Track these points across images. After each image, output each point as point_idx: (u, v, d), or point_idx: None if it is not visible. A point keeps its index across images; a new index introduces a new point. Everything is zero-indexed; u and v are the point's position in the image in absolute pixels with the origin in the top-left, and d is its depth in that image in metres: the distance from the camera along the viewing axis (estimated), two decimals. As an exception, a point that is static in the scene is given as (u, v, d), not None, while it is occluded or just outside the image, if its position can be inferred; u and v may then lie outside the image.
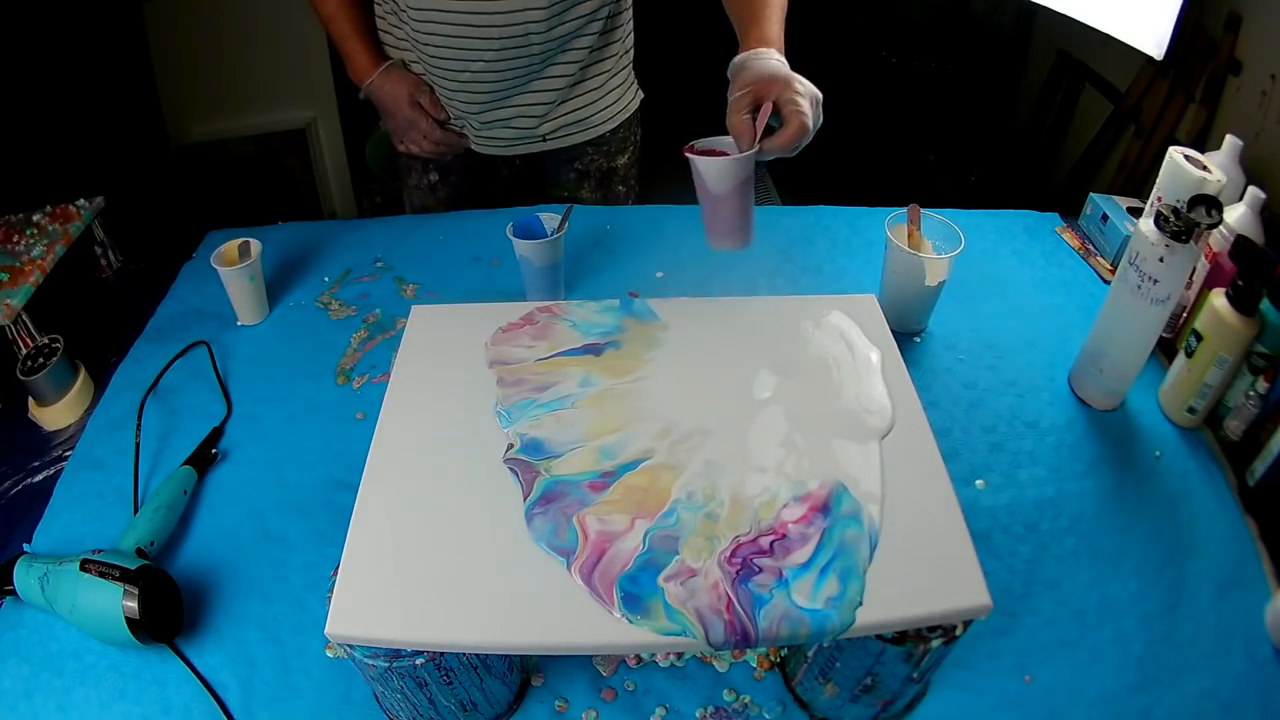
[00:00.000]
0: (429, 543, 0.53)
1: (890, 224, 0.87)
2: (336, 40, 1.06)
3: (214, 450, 0.78)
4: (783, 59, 0.79)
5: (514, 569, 0.51)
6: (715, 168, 0.72)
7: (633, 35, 1.11)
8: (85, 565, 0.61)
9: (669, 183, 1.11)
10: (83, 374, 0.86)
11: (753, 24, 0.83)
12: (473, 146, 1.10)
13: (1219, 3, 1.22)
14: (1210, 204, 0.68)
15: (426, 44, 0.98)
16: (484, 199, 1.18)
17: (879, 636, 0.50)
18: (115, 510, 0.73)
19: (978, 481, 0.75)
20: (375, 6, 1.05)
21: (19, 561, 0.63)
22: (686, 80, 2.54)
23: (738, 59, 0.79)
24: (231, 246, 0.90)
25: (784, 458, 0.58)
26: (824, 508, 0.54)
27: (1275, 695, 0.60)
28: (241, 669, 0.62)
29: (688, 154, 0.74)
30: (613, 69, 1.08)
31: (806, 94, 0.74)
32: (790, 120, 0.72)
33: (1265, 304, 0.72)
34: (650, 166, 1.26)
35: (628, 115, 1.14)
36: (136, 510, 0.71)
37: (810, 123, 0.73)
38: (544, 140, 1.08)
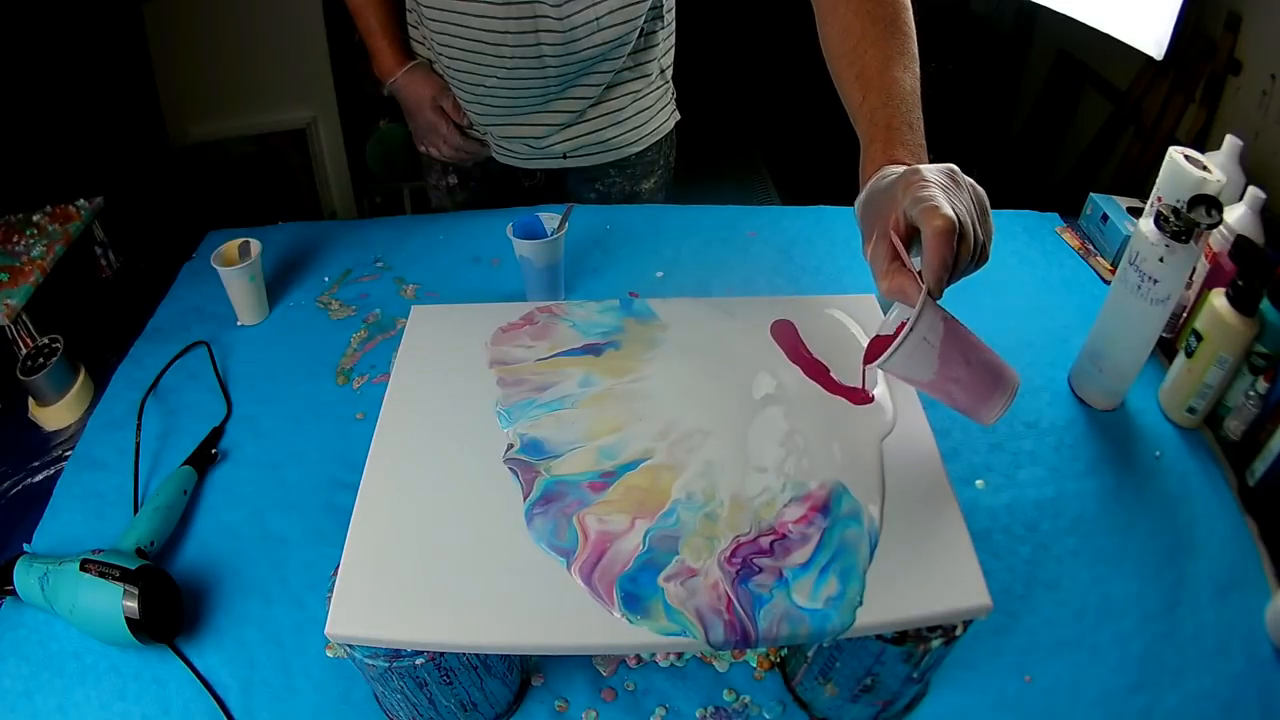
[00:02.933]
0: (429, 543, 0.53)
1: (890, 224, 0.86)
2: (363, 35, 1.04)
3: (214, 450, 0.78)
4: (938, 174, 0.54)
5: (514, 569, 0.51)
6: (898, 358, 0.53)
7: (672, 55, 1.08)
8: (85, 565, 0.60)
9: (700, 200, 1.10)
10: (83, 374, 0.85)
11: (869, 140, 0.62)
12: (493, 155, 1.09)
13: (1219, 3, 1.22)
14: (1210, 204, 0.68)
15: (443, 53, 0.97)
16: (502, 208, 1.14)
17: (879, 636, 0.50)
18: (115, 510, 0.73)
19: (978, 481, 0.75)
20: (406, 1, 1.02)
21: (19, 561, 0.63)
22: (726, 95, 2.54)
23: (858, 200, 0.60)
24: (231, 246, 0.90)
25: (784, 458, 0.58)
26: (824, 508, 0.54)
27: (1275, 695, 0.60)
28: (241, 669, 0.62)
29: (869, 366, 0.58)
30: (642, 90, 1.05)
31: (934, 180, 0.53)
32: (925, 224, 0.50)
33: (1265, 304, 0.72)
34: (682, 189, 1.22)
35: (658, 138, 1.10)
36: (136, 510, 0.71)
37: (946, 208, 0.50)
38: (564, 158, 1.06)
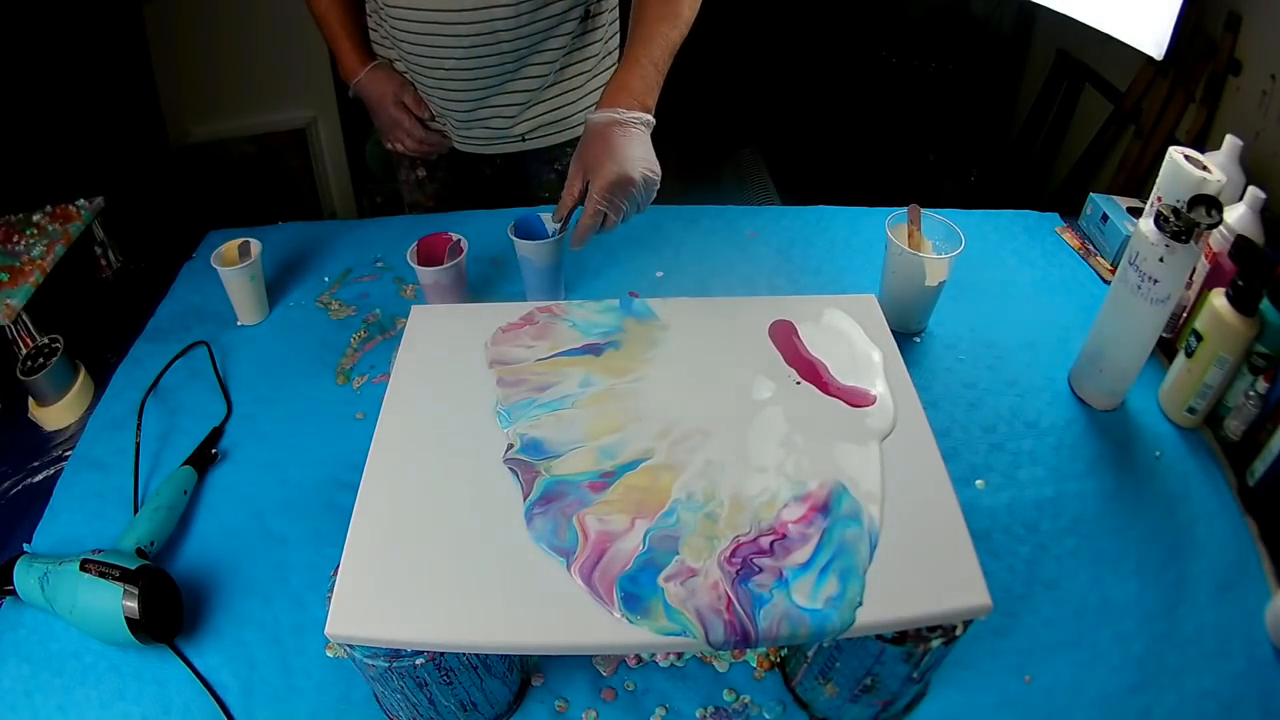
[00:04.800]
0: (429, 543, 0.53)
1: (890, 224, 0.87)
2: (328, 40, 1.07)
3: (214, 450, 0.78)
4: (633, 117, 0.81)
5: (514, 569, 0.51)
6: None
7: (618, 37, 1.10)
8: (85, 565, 0.61)
9: (664, 184, 1.11)
10: (83, 374, 0.85)
11: (621, 67, 0.85)
12: (455, 145, 1.11)
13: (1219, 3, 1.22)
14: (1210, 204, 0.68)
15: (402, 41, 0.99)
16: (469, 196, 1.20)
17: (879, 636, 0.50)
18: (115, 510, 0.73)
19: (978, 481, 0.75)
20: (366, 5, 1.06)
21: (19, 561, 0.63)
22: (727, 95, 2.55)
23: (591, 118, 0.82)
24: (231, 246, 0.90)
25: (784, 458, 0.58)
26: (824, 508, 0.54)
27: (1275, 695, 0.60)
28: (241, 669, 0.62)
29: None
30: (593, 70, 1.08)
31: (615, 184, 0.77)
32: (584, 215, 0.78)
33: (1265, 304, 0.72)
34: (682, 188, 1.25)
35: None
36: (136, 510, 0.71)
37: (591, 220, 0.78)
38: (522, 140, 1.09)
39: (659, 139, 0.84)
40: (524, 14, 0.94)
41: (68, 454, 0.79)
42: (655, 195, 0.82)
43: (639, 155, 0.79)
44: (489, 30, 0.94)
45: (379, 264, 1.03)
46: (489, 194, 1.19)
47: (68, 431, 0.83)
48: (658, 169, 0.80)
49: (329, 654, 0.62)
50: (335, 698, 0.60)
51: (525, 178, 1.20)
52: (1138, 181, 1.37)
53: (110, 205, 1.00)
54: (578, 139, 1.10)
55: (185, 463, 0.74)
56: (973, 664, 0.62)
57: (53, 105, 1.37)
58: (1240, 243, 0.77)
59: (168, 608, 0.62)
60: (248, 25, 1.72)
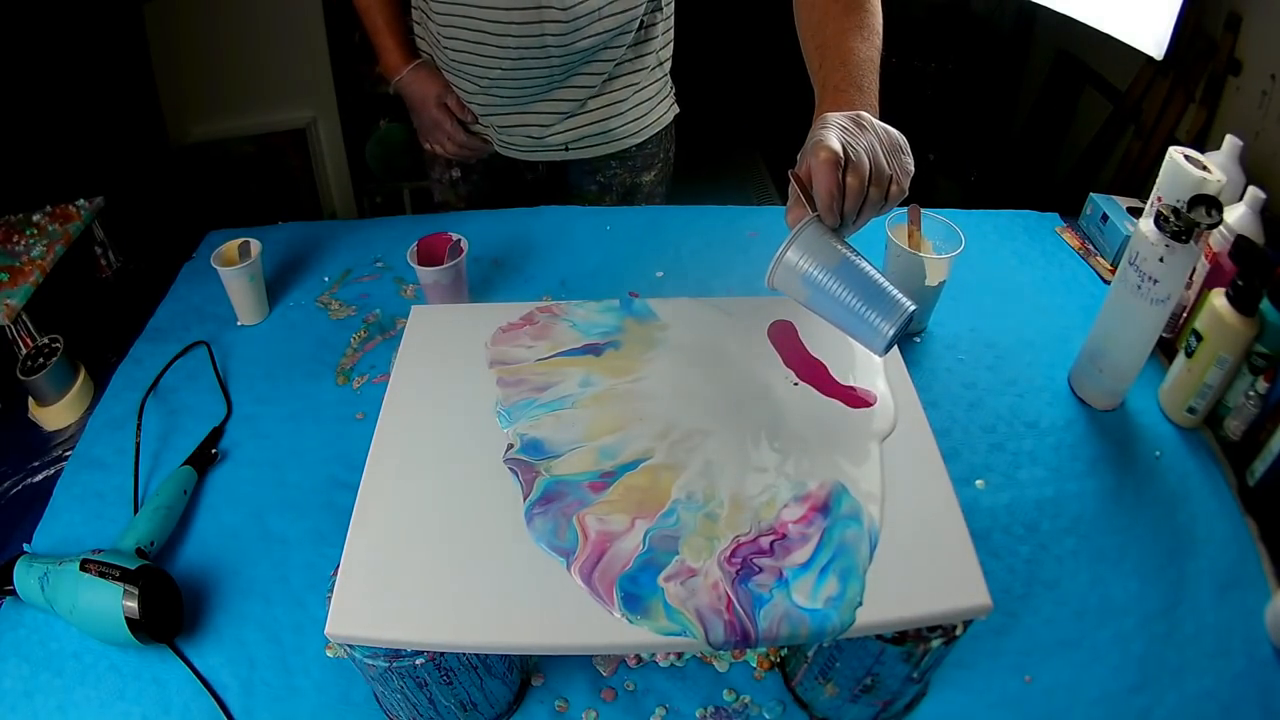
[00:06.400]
0: (429, 543, 0.53)
1: (890, 224, 0.86)
2: (369, 33, 1.06)
3: (214, 450, 0.78)
4: (840, 117, 0.60)
5: (514, 569, 0.51)
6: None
7: (671, 48, 1.09)
8: (85, 565, 0.61)
9: (700, 200, 1.10)
10: (83, 374, 0.85)
11: (819, 100, 0.67)
12: (496, 149, 1.10)
13: (1219, 3, 1.22)
14: (1210, 204, 0.68)
15: (448, 46, 0.98)
16: (505, 201, 1.16)
17: (879, 636, 0.50)
18: (115, 510, 0.73)
19: (978, 481, 0.75)
20: (411, 0, 1.05)
21: (19, 561, 0.63)
22: (726, 95, 2.54)
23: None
24: (231, 246, 0.90)
25: (784, 458, 0.58)
26: (824, 508, 0.54)
27: (1275, 695, 0.60)
28: (241, 669, 0.62)
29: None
30: (642, 82, 1.06)
31: (833, 122, 0.59)
32: (813, 158, 0.57)
33: (1265, 304, 0.72)
34: (681, 183, 1.24)
35: (657, 130, 1.12)
36: (136, 510, 0.71)
37: (830, 142, 0.56)
38: (566, 149, 1.07)
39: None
40: (576, 29, 0.92)
41: (68, 454, 0.79)
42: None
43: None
44: (538, 44, 0.93)
45: (379, 264, 1.03)
46: (526, 200, 1.13)
47: (68, 431, 0.83)
48: None
49: (329, 654, 0.62)
50: (335, 698, 0.60)
51: (566, 187, 1.18)
52: (1138, 181, 1.37)
53: (110, 205, 1.00)
54: (623, 152, 1.10)
55: (185, 463, 0.74)
56: (973, 664, 0.62)
57: (53, 105, 1.37)
58: (1240, 243, 0.77)
59: (168, 608, 0.62)
60: (248, 25, 1.72)
